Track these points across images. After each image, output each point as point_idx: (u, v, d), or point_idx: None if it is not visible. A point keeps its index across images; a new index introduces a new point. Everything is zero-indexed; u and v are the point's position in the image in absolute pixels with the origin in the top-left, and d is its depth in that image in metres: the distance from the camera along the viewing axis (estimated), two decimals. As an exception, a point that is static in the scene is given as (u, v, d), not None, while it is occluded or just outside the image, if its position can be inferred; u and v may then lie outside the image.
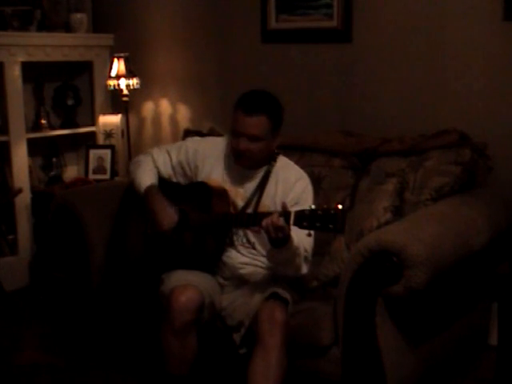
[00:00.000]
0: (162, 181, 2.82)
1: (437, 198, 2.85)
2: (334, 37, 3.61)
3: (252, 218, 2.49)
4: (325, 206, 2.24)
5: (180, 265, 2.68)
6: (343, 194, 3.04)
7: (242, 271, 2.68)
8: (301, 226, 2.28)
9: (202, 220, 2.60)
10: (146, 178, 2.76)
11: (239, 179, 2.72)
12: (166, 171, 2.82)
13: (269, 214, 2.36)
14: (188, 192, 2.76)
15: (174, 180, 2.84)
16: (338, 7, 3.55)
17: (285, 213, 2.31)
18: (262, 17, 3.82)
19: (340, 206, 2.20)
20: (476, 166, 2.97)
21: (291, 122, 3.72)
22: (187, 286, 2.51)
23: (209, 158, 2.77)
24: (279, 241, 2.36)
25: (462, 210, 2.75)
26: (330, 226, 2.20)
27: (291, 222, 2.28)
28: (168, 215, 2.65)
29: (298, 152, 3.17)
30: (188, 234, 2.65)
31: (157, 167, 2.81)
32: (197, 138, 3.00)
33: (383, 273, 2.33)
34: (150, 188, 2.73)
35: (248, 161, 2.65)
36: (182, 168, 2.82)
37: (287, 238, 2.36)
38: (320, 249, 2.79)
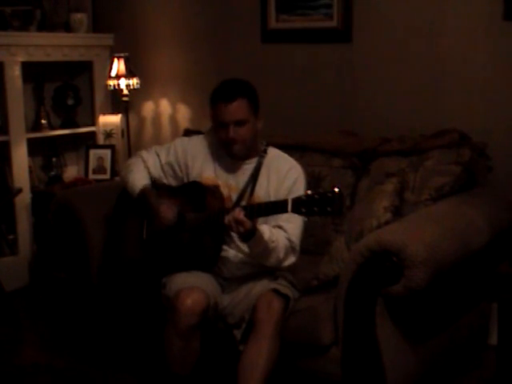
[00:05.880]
0: (156, 185, 2.82)
1: (437, 197, 2.85)
2: (334, 37, 3.61)
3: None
4: (321, 190, 2.26)
5: (179, 266, 2.67)
6: (343, 194, 3.03)
7: (242, 271, 2.68)
8: (299, 213, 2.28)
9: (198, 220, 2.61)
10: (138, 179, 2.77)
11: (231, 173, 2.73)
12: (157, 172, 2.83)
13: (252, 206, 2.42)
14: (182, 193, 2.76)
15: (165, 181, 2.84)
16: (337, 7, 3.55)
17: (249, 207, 2.37)
18: (261, 17, 3.83)
19: (337, 189, 2.22)
20: (476, 165, 2.98)
21: (291, 121, 3.75)
22: (193, 288, 2.51)
23: (198, 157, 2.78)
24: (243, 235, 2.40)
25: (461, 209, 2.75)
26: (328, 208, 2.21)
27: (289, 209, 2.28)
28: (168, 210, 2.66)
29: (299, 152, 3.17)
30: (185, 235, 2.65)
31: (147, 168, 2.82)
32: (185, 138, 3.01)
33: (383, 272, 2.33)
34: (144, 188, 2.75)
35: (242, 147, 2.65)
36: (172, 169, 2.82)
37: (252, 232, 2.39)
38: (320, 249, 2.79)
